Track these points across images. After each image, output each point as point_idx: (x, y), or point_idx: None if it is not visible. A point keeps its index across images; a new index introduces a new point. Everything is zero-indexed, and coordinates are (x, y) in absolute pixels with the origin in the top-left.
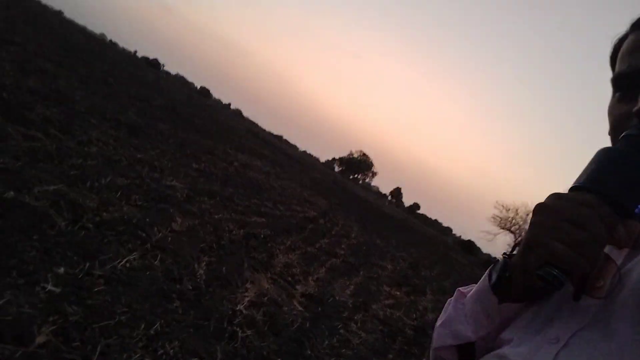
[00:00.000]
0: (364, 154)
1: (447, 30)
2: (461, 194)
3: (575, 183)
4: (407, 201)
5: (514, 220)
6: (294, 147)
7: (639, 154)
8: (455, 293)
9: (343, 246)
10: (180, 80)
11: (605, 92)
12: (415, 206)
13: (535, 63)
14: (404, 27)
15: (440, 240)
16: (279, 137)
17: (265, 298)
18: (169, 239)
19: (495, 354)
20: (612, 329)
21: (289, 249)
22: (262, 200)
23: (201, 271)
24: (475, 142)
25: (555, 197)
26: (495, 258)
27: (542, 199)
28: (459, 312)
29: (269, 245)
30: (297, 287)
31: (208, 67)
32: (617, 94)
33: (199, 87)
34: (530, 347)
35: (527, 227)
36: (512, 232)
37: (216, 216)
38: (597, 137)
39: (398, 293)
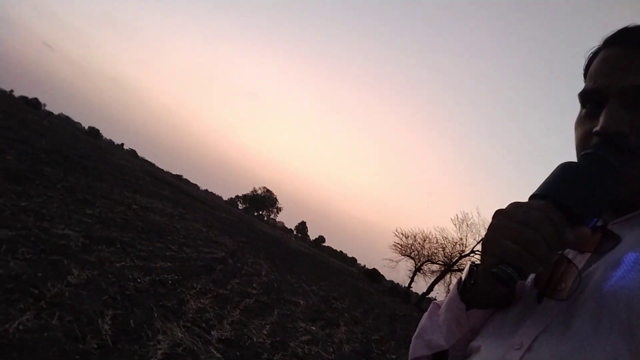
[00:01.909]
0: (268, 190)
1: (341, 66)
2: (361, 224)
3: (534, 192)
4: (312, 234)
5: (412, 246)
6: (195, 187)
7: (594, 170)
8: (430, 305)
9: (255, 285)
10: (65, 121)
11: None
12: (321, 239)
13: (424, 102)
14: (299, 64)
15: (347, 271)
16: (179, 177)
17: (180, 348)
18: (67, 293)
19: None
20: (573, 329)
21: (200, 292)
22: (167, 243)
23: (106, 326)
24: (371, 173)
25: (512, 204)
26: (398, 284)
27: (438, 224)
28: (433, 322)
29: (179, 290)
30: (213, 332)
31: (96, 107)
32: (583, 110)
33: (87, 127)
34: (496, 355)
35: (425, 252)
36: (411, 257)
37: (117, 264)
38: (476, 168)
39: (313, 328)
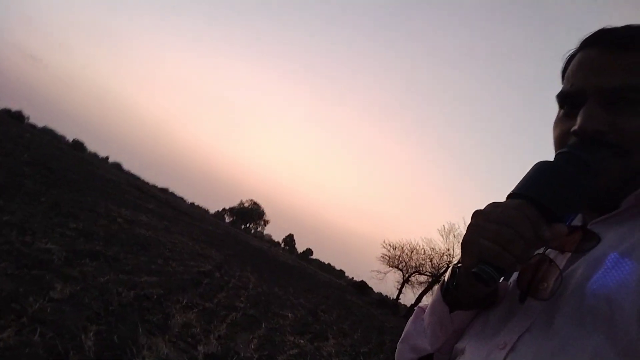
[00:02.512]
0: (255, 203)
1: (328, 77)
2: (349, 237)
3: (510, 192)
4: (300, 247)
5: (400, 258)
6: (181, 200)
7: (570, 168)
8: (415, 310)
9: (242, 298)
10: (49, 134)
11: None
12: (309, 251)
13: (410, 113)
14: (285, 75)
15: (335, 284)
16: (165, 190)
17: None
18: (49, 309)
19: None
20: (556, 328)
21: (186, 307)
22: (152, 257)
23: (89, 342)
24: (359, 185)
25: (490, 204)
26: (386, 296)
27: (425, 235)
28: (417, 327)
29: (164, 305)
30: (199, 347)
31: (81, 120)
32: (561, 111)
33: (71, 140)
34: (480, 355)
35: (412, 263)
36: (399, 269)
37: (101, 279)
38: (462, 177)
39: (302, 341)
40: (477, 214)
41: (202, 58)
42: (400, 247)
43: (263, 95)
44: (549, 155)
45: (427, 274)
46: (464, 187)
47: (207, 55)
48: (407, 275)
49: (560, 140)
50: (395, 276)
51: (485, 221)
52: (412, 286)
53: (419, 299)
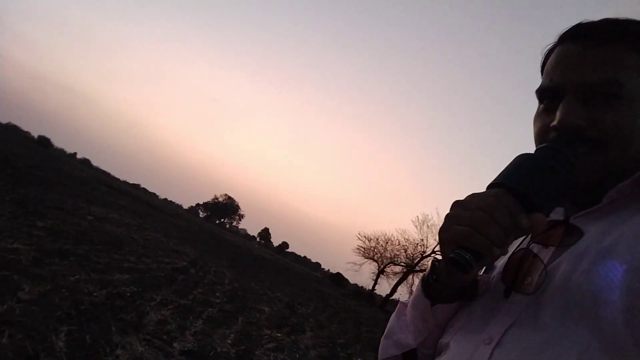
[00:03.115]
0: (229, 197)
1: (301, 71)
2: (325, 229)
3: (490, 182)
4: (276, 241)
5: (375, 249)
6: (154, 195)
7: (549, 160)
8: (397, 306)
9: (218, 294)
10: (12, 130)
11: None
12: (284, 245)
13: (382, 105)
14: (259, 69)
15: (312, 276)
16: (136, 186)
17: None
18: (17, 310)
19: None
20: (541, 322)
21: (160, 304)
22: (124, 254)
23: (61, 343)
24: (332, 177)
25: (469, 195)
26: (362, 287)
27: (400, 226)
28: (400, 322)
29: (138, 303)
30: (175, 344)
31: (46, 115)
32: (541, 105)
33: (36, 136)
34: (466, 350)
35: (387, 254)
36: (375, 260)
37: (72, 278)
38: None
39: (279, 335)
40: (455, 204)
41: (174, 51)
42: (375, 239)
43: (235, 88)
44: (523, 148)
45: (402, 264)
46: (438, 179)
47: (178, 48)
48: (382, 267)
49: (541, 135)
50: (371, 267)
51: (461, 209)
52: (387, 277)
53: (394, 290)
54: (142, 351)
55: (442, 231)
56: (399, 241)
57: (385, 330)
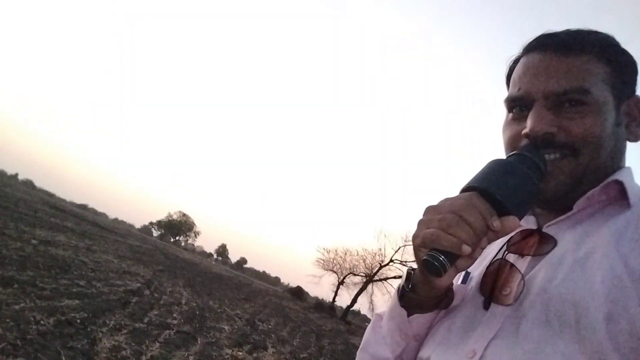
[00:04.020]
0: (184, 214)
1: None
2: (283, 244)
3: (463, 186)
4: (234, 257)
5: (335, 261)
6: (103, 215)
7: (522, 166)
8: (373, 317)
9: (175, 315)
10: None
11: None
12: (243, 261)
13: (331, 116)
14: (202, 75)
15: (271, 291)
16: (84, 206)
17: None
18: None
19: None
20: (523, 334)
21: (114, 329)
22: (73, 279)
23: None
24: (286, 189)
25: (442, 199)
26: (322, 299)
27: (358, 237)
28: (376, 334)
29: (89, 329)
30: None
31: None
32: (509, 115)
33: None
34: None
35: (347, 265)
36: (334, 272)
37: (16, 307)
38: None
39: (240, 353)
40: (427, 209)
41: (113, 56)
42: (334, 251)
43: (182, 96)
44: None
45: (361, 274)
46: (397, 187)
47: (118, 55)
48: (342, 278)
49: (512, 143)
50: (331, 279)
51: (433, 213)
52: (347, 287)
53: (354, 300)
54: None
55: (414, 237)
56: (357, 252)
57: (362, 343)
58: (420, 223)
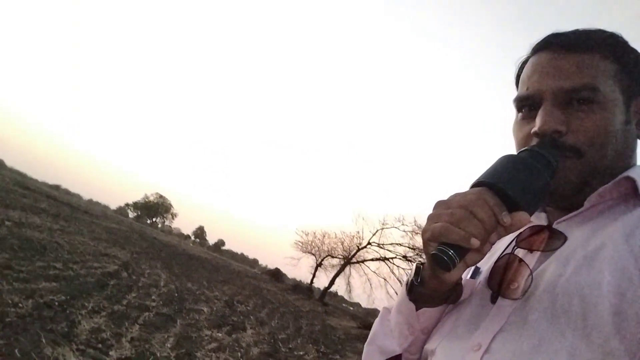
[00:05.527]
0: (161, 196)
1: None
2: (260, 225)
3: (473, 182)
4: (212, 239)
5: (313, 243)
6: (77, 196)
7: (533, 162)
8: (381, 311)
9: (153, 297)
10: None
11: None
12: (221, 242)
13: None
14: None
15: (250, 273)
16: (57, 187)
17: None
18: None
19: None
20: (529, 327)
21: (93, 311)
22: (49, 261)
23: None
24: (264, 171)
25: (452, 194)
26: (300, 281)
27: (337, 219)
28: (384, 327)
29: (68, 312)
30: (111, 352)
31: None
32: (519, 114)
33: None
34: (454, 357)
35: (325, 247)
36: (312, 254)
37: None
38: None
39: (220, 334)
40: (437, 204)
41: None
42: (313, 233)
43: (156, 72)
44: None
45: (339, 257)
46: (375, 174)
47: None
48: (320, 260)
49: (522, 143)
50: (309, 261)
51: (443, 208)
52: (325, 269)
53: (332, 282)
54: None
55: (423, 231)
56: (335, 234)
57: (369, 336)
58: (430, 217)
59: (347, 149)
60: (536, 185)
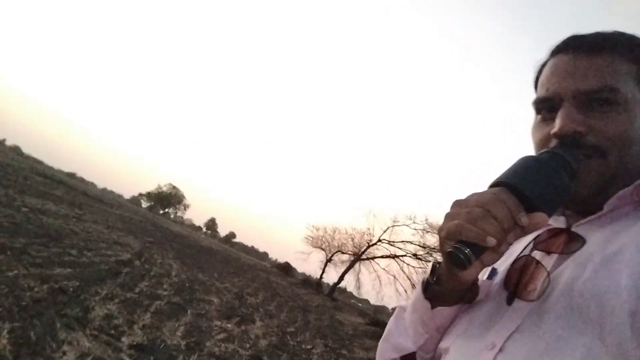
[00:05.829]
0: (174, 187)
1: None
2: (272, 219)
3: (492, 182)
4: (223, 231)
5: (323, 238)
6: (92, 185)
7: (553, 164)
8: (396, 310)
9: (165, 286)
10: None
11: None
12: (232, 235)
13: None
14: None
15: (260, 266)
16: (72, 175)
17: (89, 358)
18: None
19: None
20: (545, 328)
21: (106, 298)
22: (64, 248)
23: (4, 341)
24: (277, 167)
25: (470, 194)
26: (310, 276)
27: (348, 215)
28: (399, 325)
29: (82, 297)
30: (123, 338)
31: None
32: (538, 116)
33: None
34: (468, 356)
35: (335, 243)
36: (322, 249)
37: (10, 274)
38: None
39: (229, 325)
40: (455, 203)
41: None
42: (323, 228)
43: (173, 65)
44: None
45: (349, 252)
46: (389, 172)
47: (106, 28)
48: (330, 255)
49: (541, 145)
50: (319, 256)
51: (460, 207)
52: (335, 265)
53: (341, 278)
54: (90, 347)
55: (440, 229)
56: (346, 230)
57: (384, 334)
58: (447, 216)
59: (362, 146)
60: (555, 187)
